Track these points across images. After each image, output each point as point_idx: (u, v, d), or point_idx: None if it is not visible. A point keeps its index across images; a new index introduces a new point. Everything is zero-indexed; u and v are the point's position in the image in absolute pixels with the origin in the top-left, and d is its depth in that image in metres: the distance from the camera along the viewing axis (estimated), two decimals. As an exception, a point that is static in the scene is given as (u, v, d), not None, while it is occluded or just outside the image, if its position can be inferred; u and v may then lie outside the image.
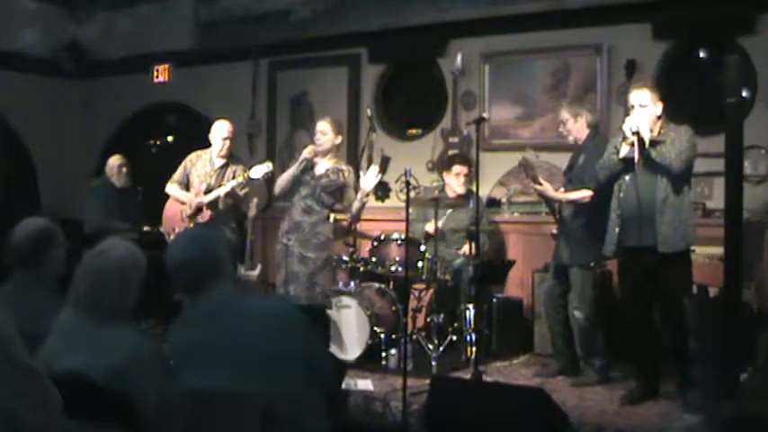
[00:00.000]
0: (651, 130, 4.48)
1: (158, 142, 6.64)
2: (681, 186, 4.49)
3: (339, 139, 5.58)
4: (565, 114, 5.35)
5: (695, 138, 4.55)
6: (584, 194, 5.10)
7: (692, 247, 4.73)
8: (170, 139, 6.61)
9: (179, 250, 2.66)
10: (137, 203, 7.17)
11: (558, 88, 6.56)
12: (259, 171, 5.75)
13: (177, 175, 6.01)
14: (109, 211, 6.97)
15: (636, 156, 4.43)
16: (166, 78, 8.51)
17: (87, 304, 2.56)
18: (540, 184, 5.30)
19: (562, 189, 5.37)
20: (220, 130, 5.90)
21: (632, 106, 4.57)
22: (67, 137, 8.85)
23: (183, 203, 5.89)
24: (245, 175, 5.73)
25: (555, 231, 5.43)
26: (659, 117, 4.55)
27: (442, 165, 6.64)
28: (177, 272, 2.62)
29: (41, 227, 3.11)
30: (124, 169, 7.20)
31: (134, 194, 7.22)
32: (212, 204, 5.80)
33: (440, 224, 5.92)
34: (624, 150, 4.52)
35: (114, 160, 7.25)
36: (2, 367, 1.99)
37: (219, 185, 5.80)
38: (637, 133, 4.42)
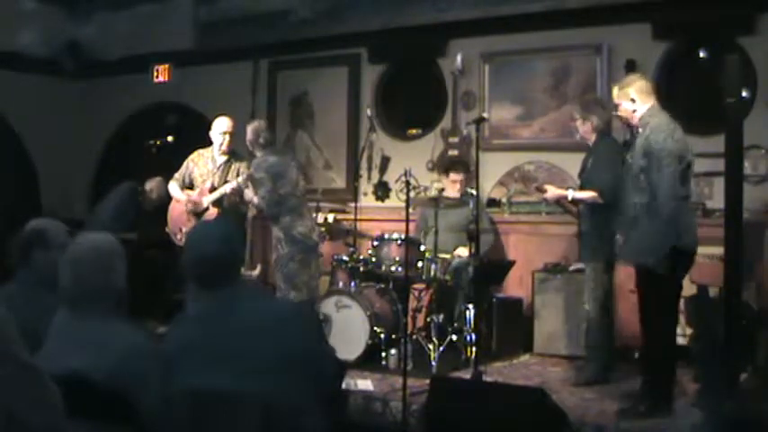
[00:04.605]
0: (631, 124, 4.52)
1: (158, 142, 6.64)
2: (647, 200, 4.29)
3: (253, 139, 5.75)
4: (575, 114, 5.45)
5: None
6: (593, 195, 5.12)
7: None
8: (170, 139, 6.61)
9: (212, 242, 2.57)
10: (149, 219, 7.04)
11: (558, 88, 6.56)
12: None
13: (179, 173, 6.05)
14: (119, 221, 6.85)
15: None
16: (166, 78, 8.51)
17: (73, 297, 2.53)
18: (545, 191, 5.38)
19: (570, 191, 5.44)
20: (220, 126, 5.93)
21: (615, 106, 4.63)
22: (67, 137, 8.84)
23: (188, 202, 5.90)
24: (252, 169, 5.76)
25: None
26: (634, 111, 4.45)
27: (442, 168, 6.63)
28: (199, 265, 2.55)
29: (40, 226, 3.12)
30: (155, 196, 7.03)
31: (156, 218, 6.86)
32: (217, 202, 5.83)
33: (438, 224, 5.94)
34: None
35: (154, 186, 7.04)
36: (2, 366, 1.98)
37: (225, 182, 5.84)
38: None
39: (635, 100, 4.42)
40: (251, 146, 5.76)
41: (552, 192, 5.37)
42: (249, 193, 5.75)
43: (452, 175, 6.34)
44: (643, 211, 4.28)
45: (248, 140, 5.75)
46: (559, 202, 5.49)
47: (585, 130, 5.31)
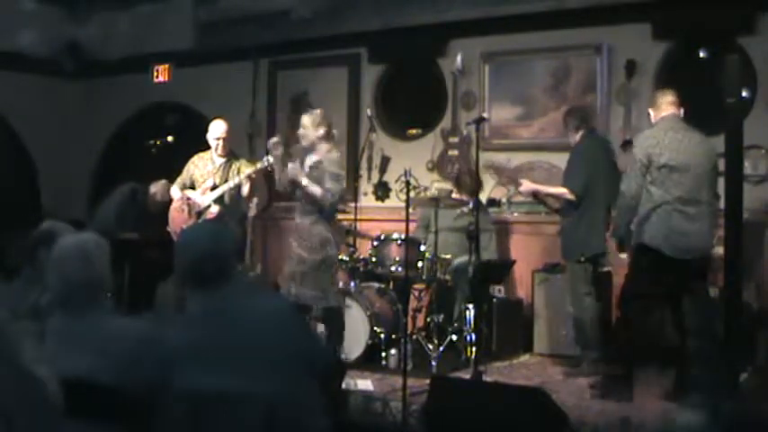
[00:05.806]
0: None
1: (158, 142, 6.64)
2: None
3: (321, 131, 5.15)
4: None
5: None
6: (563, 191, 5.34)
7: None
8: (170, 139, 6.60)
9: (201, 243, 2.58)
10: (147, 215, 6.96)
11: (558, 88, 6.56)
12: (264, 161, 5.69)
13: (181, 177, 6.09)
14: (120, 223, 6.81)
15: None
16: (166, 78, 8.51)
17: (64, 297, 2.54)
18: (520, 183, 5.62)
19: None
20: (213, 131, 5.97)
21: None
22: (67, 137, 8.84)
23: (188, 202, 5.92)
24: (257, 164, 5.74)
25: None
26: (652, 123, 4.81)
27: (452, 178, 6.62)
28: (194, 265, 2.55)
29: (47, 227, 3.17)
30: (160, 198, 6.80)
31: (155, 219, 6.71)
32: (218, 200, 5.85)
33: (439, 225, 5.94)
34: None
35: (159, 189, 6.84)
36: (1, 367, 1.98)
37: (225, 181, 5.86)
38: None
39: (650, 113, 4.78)
40: (317, 139, 5.17)
41: (526, 185, 5.59)
42: (304, 180, 5.09)
43: (464, 195, 6.27)
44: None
45: (316, 134, 5.16)
46: (536, 196, 5.67)
47: (569, 133, 5.54)
